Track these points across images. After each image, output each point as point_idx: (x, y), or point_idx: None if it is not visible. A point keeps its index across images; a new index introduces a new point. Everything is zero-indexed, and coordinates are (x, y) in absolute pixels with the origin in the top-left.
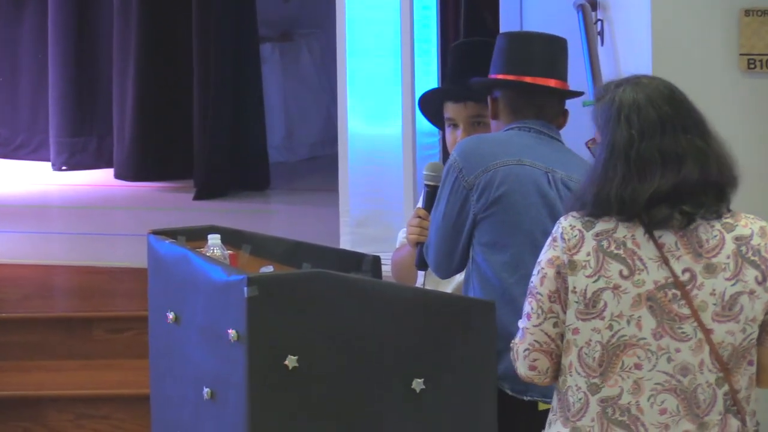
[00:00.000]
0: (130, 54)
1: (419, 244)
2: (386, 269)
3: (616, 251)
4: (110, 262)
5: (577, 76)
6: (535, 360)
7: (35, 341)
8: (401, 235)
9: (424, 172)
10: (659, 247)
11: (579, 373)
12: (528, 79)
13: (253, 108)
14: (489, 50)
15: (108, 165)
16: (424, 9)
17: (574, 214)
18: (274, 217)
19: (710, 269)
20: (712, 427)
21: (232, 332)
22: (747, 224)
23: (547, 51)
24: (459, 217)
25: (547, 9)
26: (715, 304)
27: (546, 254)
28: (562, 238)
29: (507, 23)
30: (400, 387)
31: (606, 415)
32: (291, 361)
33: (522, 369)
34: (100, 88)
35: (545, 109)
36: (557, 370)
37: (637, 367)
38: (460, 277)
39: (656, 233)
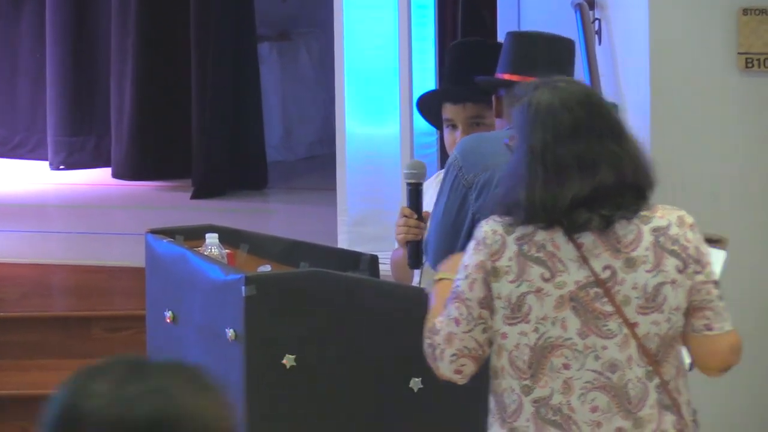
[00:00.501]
0: (128, 53)
1: (409, 243)
2: (384, 268)
3: (536, 254)
4: (108, 261)
5: (575, 76)
6: (462, 365)
7: (33, 340)
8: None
9: (405, 171)
10: (578, 247)
11: (511, 376)
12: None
13: (251, 107)
14: (487, 50)
15: (106, 164)
16: (421, 8)
17: (496, 218)
18: (272, 216)
19: (630, 263)
20: (648, 423)
21: (229, 331)
22: (664, 215)
23: (552, 51)
24: (458, 215)
25: (545, 8)
26: (638, 298)
27: (473, 258)
28: (485, 243)
29: (505, 22)
30: (398, 386)
31: (540, 415)
32: (288, 360)
33: (446, 371)
34: (98, 87)
35: None
36: (477, 372)
37: (566, 367)
38: None
39: (575, 234)
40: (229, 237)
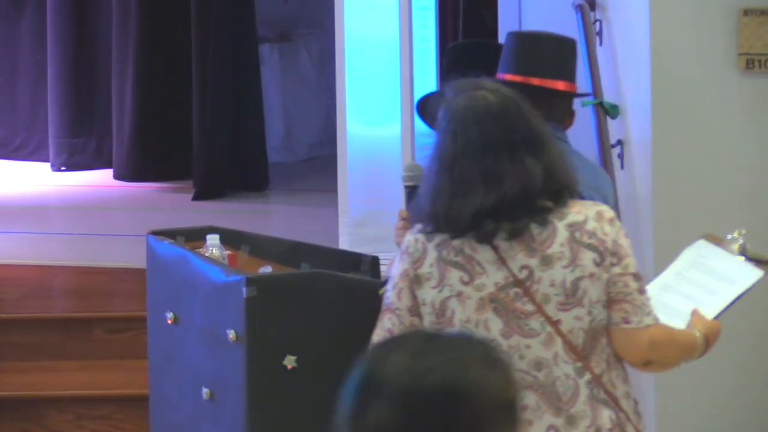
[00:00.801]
0: (129, 54)
1: None
2: (384, 269)
3: (455, 259)
4: (109, 263)
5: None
6: None
7: (34, 342)
8: None
9: (403, 173)
10: (495, 249)
11: None
12: (536, 81)
13: (252, 108)
14: (485, 51)
15: (107, 165)
16: (422, 9)
17: (419, 227)
18: (273, 217)
19: (546, 261)
20: (580, 420)
21: (230, 332)
22: (580, 211)
23: (555, 52)
24: None
25: (545, 9)
26: (557, 294)
27: (398, 268)
28: (408, 252)
29: (506, 23)
30: None
31: None
32: (289, 361)
33: None
34: (99, 88)
35: (553, 110)
36: None
37: None
38: None
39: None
40: (230, 238)
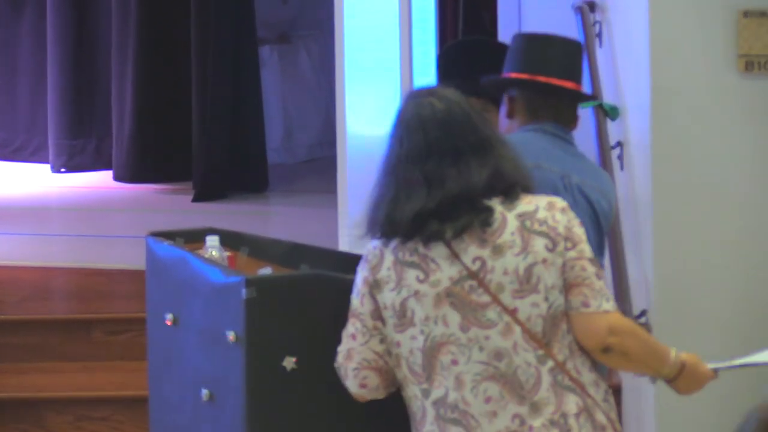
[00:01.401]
0: (129, 56)
1: None
2: None
3: (410, 259)
4: (109, 264)
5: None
6: (365, 378)
7: (34, 343)
8: None
9: None
10: (447, 244)
11: (412, 383)
12: (543, 79)
13: (251, 110)
14: (485, 48)
15: (107, 167)
16: (422, 10)
17: (375, 238)
18: (273, 218)
19: (498, 250)
20: (545, 406)
21: (230, 334)
22: (531, 201)
23: (564, 53)
24: None
25: (545, 11)
26: (511, 283)
27: (359, 275)
28: (367, 260)
29: (505, 24)
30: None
31: (441, 416)
32: (289, 363)
33: (352, 387)
34: (99, 90)
35: (561, 111)
36: (389, 385)
37: (454, 363)
38: None
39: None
40: (229, 239)
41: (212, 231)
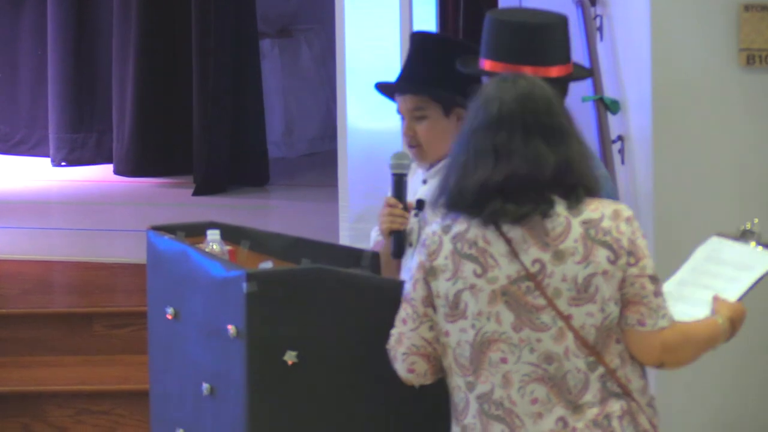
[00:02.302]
0: (130, 50)
1: (393, 233)
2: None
3: (468, 251)
4: (110, 258)
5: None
6: (413, 363)
7: (35, 337)
8: (374, 235)
9: (390, 161)
10: (508, 242)
11: (457, 374)
12: (529, 70)
13: (252, 104)
14: (440, 46)
15: (107, 161)
16: (423, 3)
17: (438, 219)
18: (274, 212)
19: (559, 256)
20: (589, 409)
21: (231, 328)
22: (597, 208)
23: (544, 37)
24: None
25: (546, 4)
26: (569, 290)
27: (415, 260)
28: (425, 245)
29: None
30: (400, 382)
31: (484, 411)
32: (290, 357)
33: (401, 371)
34: (99, 83)
35: None
36: (437, 371)
37: (503, 361)
38: None
39: (504, 228)
40: (230, 233)
41: (213, 225)
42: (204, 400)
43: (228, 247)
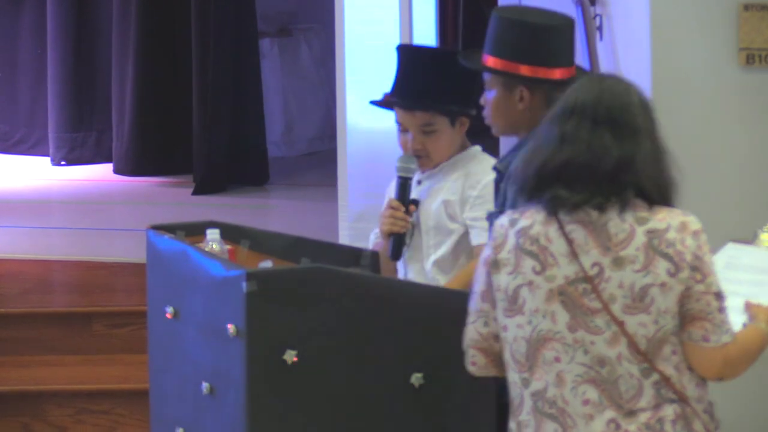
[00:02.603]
0: (129, 49)
1: (393, 235)
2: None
3: (530, 248)
4: (109, 257)
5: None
6: (473, 356)
7: (35, 336)
8: (373, 238)
9: (398, 164)
10: (570, 242)
11: (513, 369)
12: (526, 70)
13: (252, 103)
14: (437, 59)
15: (107, 160)
16: (423, 3)
17: (508, 212)
18: (273, 212)
19: (618, 262)
20: (642, 413)
21: (230, 327)
22: (664, 218)
23: (547, 38)
24: None
25: (546, 4)
26: (624, 297)
27: (484, 252)
28: (493, 237)
29: None
30: (400, 382)
31: (538, 409)
32: (290, 356)
33: (466, 363)
34: (99, 83)
35: (552, 100)
36: (498, 365)
37: (557, 360)
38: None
39: (567, 228)
40: (230, 233)
41: (213, 224)
42: (204, 400)
43: (228, 247)
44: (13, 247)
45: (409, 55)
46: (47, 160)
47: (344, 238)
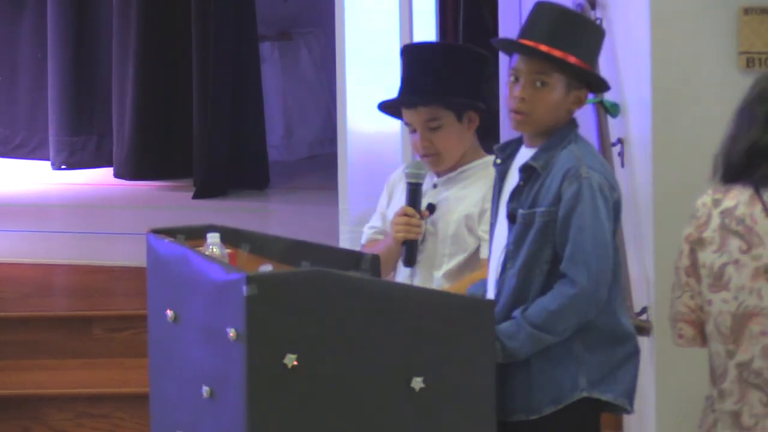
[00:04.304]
0: (130, 53)
1: (407, 242)
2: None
3: (736, 228)
4: (110, 261)
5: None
6: (680, 329)
7: (35, 340)
8: (368, 231)
9: (407, 171)
10: None
11: (717, 341)
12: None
13: (252, 107)
14: (437, 53)
15: (107, 164)
16: (422, 7)
17: (709, 191)
18: (274, 215)
19: None
20: None
21: (231, 331)
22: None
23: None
24: (613, 238)
25: None
26: None
27: (684, 230)
28: (695, 216)
29: (506, 23)
30: (400, 385)
31: (743, 379)
32: (290, 360)
33: (673, 337)
34: (99, 87)
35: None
36: (705, 337)
37: (763, 333)
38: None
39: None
40: (230, 236)
41: (213, 228)
42: (204, 403)
43: (228, 250)
44: (14, 251)
45: (410, 53)
46: (48, 164)
47: (345, 242)
